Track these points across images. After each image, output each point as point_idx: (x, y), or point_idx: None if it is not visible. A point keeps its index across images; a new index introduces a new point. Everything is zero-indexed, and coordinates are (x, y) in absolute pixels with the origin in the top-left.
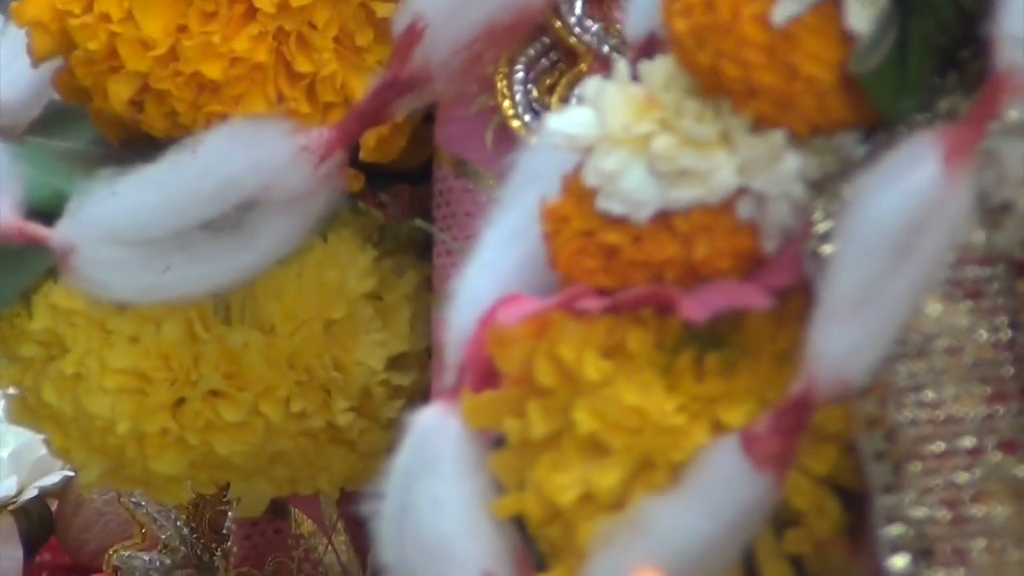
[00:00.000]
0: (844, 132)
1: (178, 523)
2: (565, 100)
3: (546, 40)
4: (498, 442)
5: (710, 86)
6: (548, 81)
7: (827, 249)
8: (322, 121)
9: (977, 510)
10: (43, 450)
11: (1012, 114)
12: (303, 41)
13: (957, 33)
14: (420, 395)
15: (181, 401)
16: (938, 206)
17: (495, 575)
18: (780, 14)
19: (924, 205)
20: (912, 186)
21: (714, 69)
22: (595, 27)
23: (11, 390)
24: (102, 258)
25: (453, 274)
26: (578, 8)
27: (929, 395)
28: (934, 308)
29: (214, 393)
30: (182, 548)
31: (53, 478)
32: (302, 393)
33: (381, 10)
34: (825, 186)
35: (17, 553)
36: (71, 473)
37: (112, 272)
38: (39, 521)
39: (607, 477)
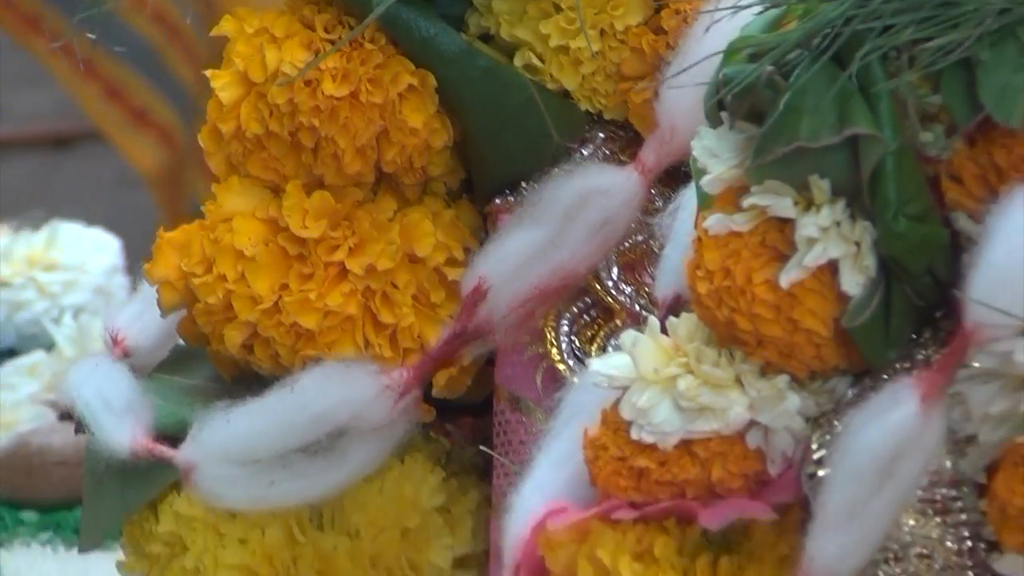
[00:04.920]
0: (837, 377)
1: None
2: (603, 349)
3: (587, 299)
4: None
5: (726, 337)
6: (588, 333)
7: (821, 472)
8: (401, 363)
9: None
10: None
11: (975, 363)
12: (386, 298)
13: (932, 297)
14: None
15: None
16: (915, 438)
17: None
18: (785, 278)
19: (903, 437)
20: (894, 422)
21: (730, 323)
22: (628, 289)
23: None
24: (218, 474)
25: (510, 492)
26: (615, 274)
27: None
28: (910, 522)
29: None
30: None
31: None
32: None
33: (452, 273)
34: (820, 421)
35: None
36: None
37: (226, 486)
38: None
39: None
